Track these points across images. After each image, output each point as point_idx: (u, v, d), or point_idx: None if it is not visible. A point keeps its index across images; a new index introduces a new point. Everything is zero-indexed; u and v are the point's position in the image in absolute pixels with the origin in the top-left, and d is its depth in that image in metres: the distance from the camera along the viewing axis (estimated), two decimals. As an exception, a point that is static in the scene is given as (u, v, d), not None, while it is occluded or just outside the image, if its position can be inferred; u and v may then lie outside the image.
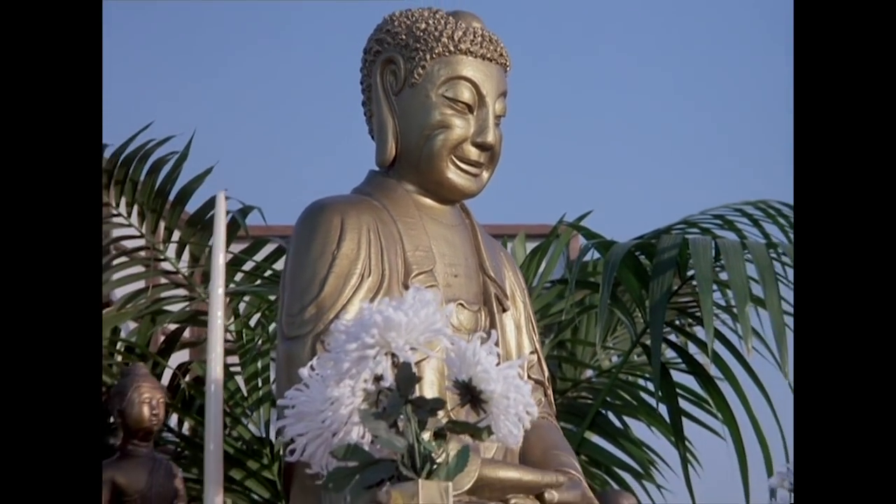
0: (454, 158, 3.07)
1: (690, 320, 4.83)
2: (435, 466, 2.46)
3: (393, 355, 2.42)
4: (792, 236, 4.40)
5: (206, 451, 3.00)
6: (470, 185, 3.13)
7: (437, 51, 3.07)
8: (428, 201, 3.14)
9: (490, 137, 3.08)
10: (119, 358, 4.54)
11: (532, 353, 3.32)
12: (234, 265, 4.64)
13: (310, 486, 2.85)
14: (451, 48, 3.06)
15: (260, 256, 4.93)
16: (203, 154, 4.60)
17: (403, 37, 3.13)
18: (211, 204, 4.49)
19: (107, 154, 4.53)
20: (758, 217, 4.63)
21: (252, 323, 4.80)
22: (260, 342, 4.70)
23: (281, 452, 3.78)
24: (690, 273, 4.36)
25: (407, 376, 2.43)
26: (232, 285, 4.62)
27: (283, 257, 4.36)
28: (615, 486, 4.51)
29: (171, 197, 4.82)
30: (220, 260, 3.14)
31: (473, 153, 3.08)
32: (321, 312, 2.94)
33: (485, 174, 3.15)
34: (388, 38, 3.17)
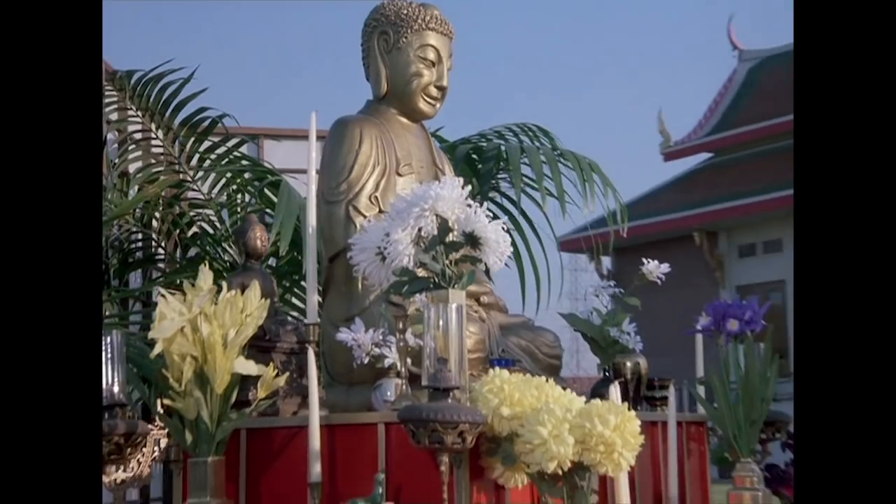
0: (423, 95, 3.91)
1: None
2: (455, 282, 3.16)
3: (437, 215, 3.14)
4: (548, 143, 5.68)
5: (307, 267, 3.55)
6: (431, 111, 3.98)
7: (413, 28, 3.88)
8: (405, 120, 3.96)
9: (445, 82, 3.94)
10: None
11: None
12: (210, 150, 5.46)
13: (344, 292, 3.70)
14: (423, 26, 3.88)
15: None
16: (202, 80, 5.40)
17: (392, 18, 3.92)
18: (200, 111, 5.33)
19: (134, 79, 5.29)
20: (525, 131, 5.86)
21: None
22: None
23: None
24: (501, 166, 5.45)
25: (443, 228, 3.12)
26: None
27: (244, 144, 5.33)
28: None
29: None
30: (312, 155, 3.59)
31: (434, 91, 3.92)
32: (351, 187, 3.75)
33: (439, 105, 3.99)
34: (381, 17, 3.94)
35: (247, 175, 5.35)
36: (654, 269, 4.09)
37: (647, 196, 28.13)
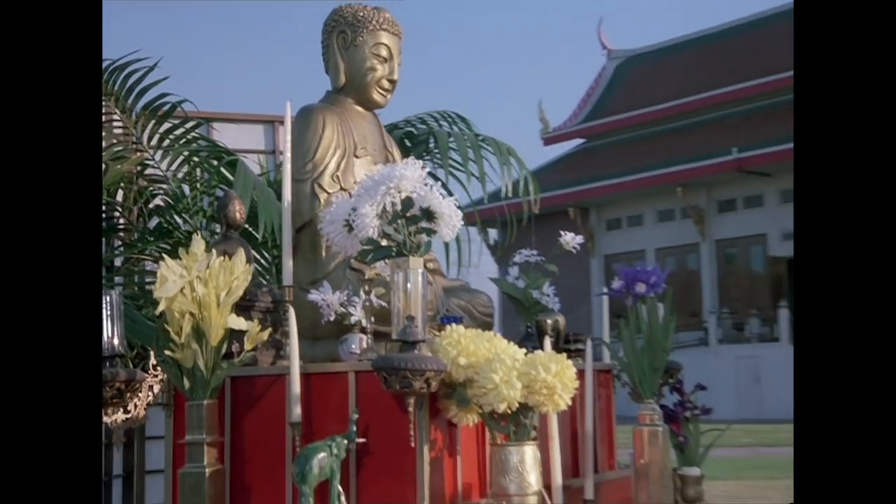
0: (377, 87, 3.95)
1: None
2: (414, 250, 3.18)
3: (400, 192, 3.18)
4: (465, 128, 5.75)
5: (284, 237, 3.52)
6: (383, 101, 4.03)
7: (368, 28, 3.92)
8: (360, 109, 4.00)
9: (396, 76, 3.98)
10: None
11: None
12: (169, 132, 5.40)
13: (309, 259, 3.75)
14: (377, 27, 3.93)
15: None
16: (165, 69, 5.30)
17: (349, 19, 3.95)
18: (161, 97, 5.28)
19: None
20: (444, 117, 5.92)
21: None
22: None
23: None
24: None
25: (406, 204, 3.16)
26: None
27: (200, 126, 5.32)
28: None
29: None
30: (287, 137, 3.58)
31: (386, 84, 3.97)
32: (315, 167, 3.80)
33: (389, 96, 4.03)
34: (340, 19, 3.96)
35: (203, 154, 5.35)
36: (571, 240, 4.20)
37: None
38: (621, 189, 30.36)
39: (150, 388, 3.25)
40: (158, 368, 3.27)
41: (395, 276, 3.10)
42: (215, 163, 5.17)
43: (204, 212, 5.18)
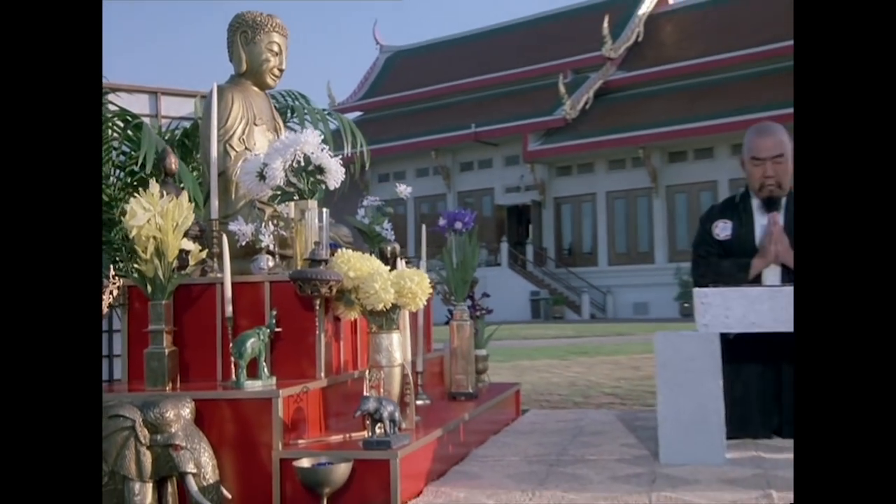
0: (270, 73, 3.92)
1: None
2: (311, 195, 3.36)
3: (303, 153, 3.29)
4: (305, 104, 5.70)
5: (211, 184, 3.54)
6: (274, 84, 3.99)
7: (265, 30, 3.89)
8: (256, 89, 3.95)
9: (284, 66, 3.96)
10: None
11: None
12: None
13: (222, 199, 3.69)
14: (270, 29, 3.90)
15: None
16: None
17: (250, 22, 3.89)
18: None
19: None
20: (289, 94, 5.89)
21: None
22: None
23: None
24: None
25: (307, 161, 3.28)
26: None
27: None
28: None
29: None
30: (214, 110, 3.60)
31: (277, 72, 3.94)
32: (227, 131, 3.75)
33: (278, 80, 4.00)
34: (242, 21, 3.89)
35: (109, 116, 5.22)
36: (404, 189, 4.40)
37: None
38: (389, 152, 30.68)
39: (111, 292, 3.28)
40: (116, 278, 3.32)
41: (309, 214, 3.27)
42: (121, 124, 5.07)
43: (112, 161, 5.07)
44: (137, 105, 6.28)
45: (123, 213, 3.14)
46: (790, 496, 2.76)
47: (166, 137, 5.30)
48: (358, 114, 33.79)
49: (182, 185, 3.92)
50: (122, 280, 3.32)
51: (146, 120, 5.72)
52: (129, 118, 5.08)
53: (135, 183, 4.95)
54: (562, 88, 29.25)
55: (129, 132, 5.07)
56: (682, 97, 28.27)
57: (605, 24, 30.11)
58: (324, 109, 5.55)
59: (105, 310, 3.27)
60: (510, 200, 31.62)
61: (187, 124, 5.68)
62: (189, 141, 5.17)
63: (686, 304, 26.49)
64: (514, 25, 34.81)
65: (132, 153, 4.96)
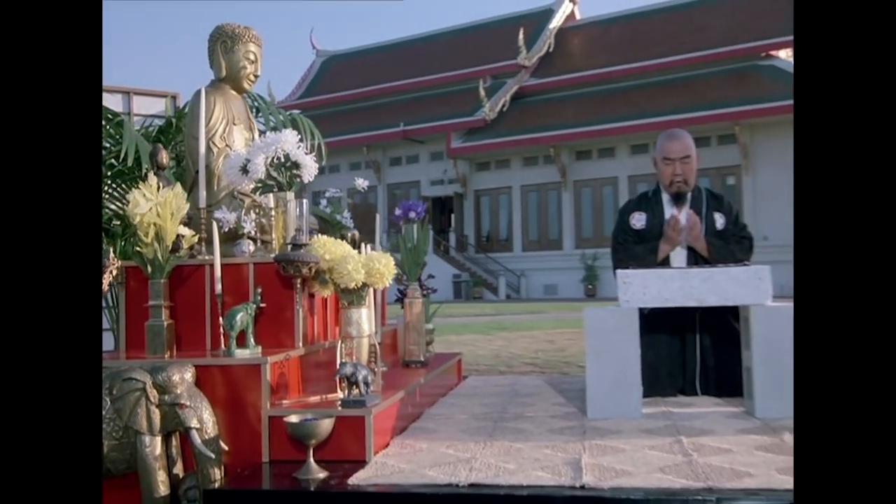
0: (247, 79, 3.90)
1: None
2: (288, 187, 3.44)
3: (283, 150, 3.38)
4: (264, 105, 5.66)
5: (200, 177, 3.54)
6: (250, 88, 3.97)
7: (242, 41, 3.88)
8: (234, 93, 3.93)
9: (259, 72, 3.93)
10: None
11: None
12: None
13: (213, 184, 3.72)
14: (247, 40, 3.90)
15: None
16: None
17: (229, 34, 3.88)
18: None
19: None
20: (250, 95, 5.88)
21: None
22: None
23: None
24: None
25: (286, 157, 3.37)
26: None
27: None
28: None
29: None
30: (202, 112, 3.60)
31: (252, 76, 3.92)
32: (210, 130, 3.72)
33: (253, 85, 3.99)
34: (222, 33, 3.88)
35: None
36: (361, 182, 4.46)
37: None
38: (329, 146, 30.43)
39: (111, 272, 3.33)
40: (115, 260, 3.37)
41: (291, 203, 3.37)
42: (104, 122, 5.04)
43: (97, 155, 5.06)
44: (112, 103, 6.25)
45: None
46: (696, 440, 3.01)
47: (142, 134, 5.25)
48: (296, 112, 33.51)
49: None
50: (120, 262, 3.36)
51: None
52: (109, 116, 5.04)
53: (112, 175, 4.92)
54: (482, 92, 29.52)
55: (111, 129, 5.02)
56: (588, 102, 28.83)
57: (521, 36, 30.47)
58: (285, 110, 5.57)
59: (105, 288, 3.31)
60: (435, 192, 31.79)
61: (159, 122, 5.65)
62: (164, 137, 5.07)
63: (590, 286, 27.11)
64: (440, 34, 34.95)
65: (111, 148, 4.91)
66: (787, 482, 2.39)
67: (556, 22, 32.36)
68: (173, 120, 5.11)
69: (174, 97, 5.75)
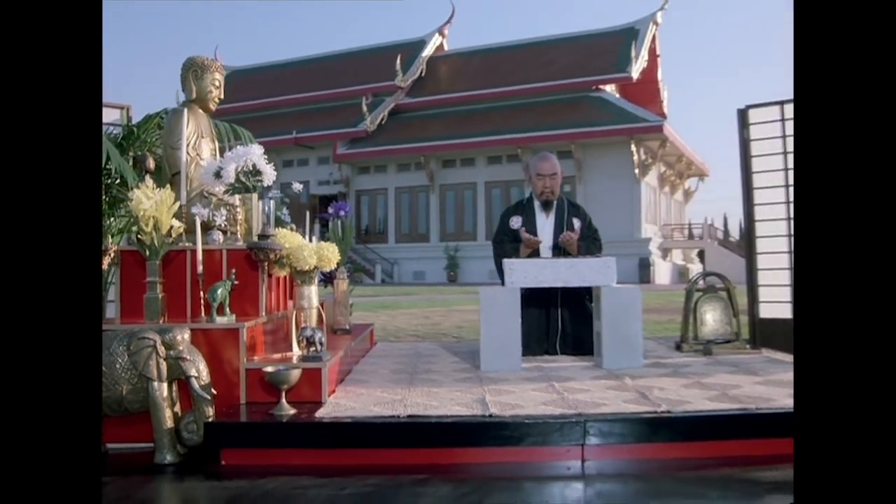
0: (213, 101, 3.98)
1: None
2: (254, 190, 3.64)
3: (252, 161, 3.55)
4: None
5: (182, 182, 3.63)
6: (215, 107, 4.01)
7: (209, 70, 3.96)
8: (202, 112, 4.01)
9: (222, 95, 4.03)
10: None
11: None
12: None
13: (178, 191, 3.74)
14: (213, 70, 3.99)
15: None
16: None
17: (199, 64, 3.96)
18: None
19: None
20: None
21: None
22: None
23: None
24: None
25: (253, 167, 3.53)
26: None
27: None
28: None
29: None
30: (184, 128, 3.72)
31: (217, 99, 4.00)
32: (182, 143, 3.82)
33: (216, 104, 4.02)
34: (193, 63, 3.95)
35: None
36: (298, 187, 4.64)
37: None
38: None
39: (110, 254, 3.49)
40: (112, 245, 3.52)
41: (260, 202, 3.61)
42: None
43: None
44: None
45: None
46: (564, 384, 3.52)
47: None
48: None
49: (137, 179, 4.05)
50: (117, 247, 3.52)
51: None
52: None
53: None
54: (364, 107, 29.65)
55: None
56: (454, 119, 29.55)
57: (398, 62, 30.80)
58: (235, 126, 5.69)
59: (105, 267, 3.47)
60: (322, 191, 31.63)
61: (116, 130, 5.64)
62: (125, 142, 5.11)
63: (452, 273, 27.86)
64: (330, 56, 34.73)
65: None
66: (632, 408, 2.93)
67: (428, 51, 32.89)
68: (135, 129, 5.12)
69: (127, 109, 5.70)
